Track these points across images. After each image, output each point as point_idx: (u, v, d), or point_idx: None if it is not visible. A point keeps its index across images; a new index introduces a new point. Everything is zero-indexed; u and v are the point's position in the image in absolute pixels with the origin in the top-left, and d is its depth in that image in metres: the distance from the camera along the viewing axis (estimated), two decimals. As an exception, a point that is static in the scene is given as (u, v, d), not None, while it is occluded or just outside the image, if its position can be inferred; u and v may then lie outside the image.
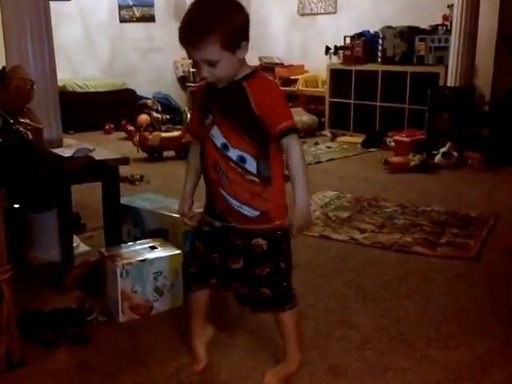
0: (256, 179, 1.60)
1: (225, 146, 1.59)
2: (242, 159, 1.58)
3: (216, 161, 1.61)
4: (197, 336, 1.89)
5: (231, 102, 1.58)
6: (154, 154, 5.25)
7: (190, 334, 1.91)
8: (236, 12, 1.51)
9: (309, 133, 6.36)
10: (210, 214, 1.73)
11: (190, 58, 1.54)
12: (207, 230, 1.74)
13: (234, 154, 1.58)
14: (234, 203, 1.62)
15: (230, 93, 1.58)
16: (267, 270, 1.66)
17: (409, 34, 5.81)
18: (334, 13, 6.92)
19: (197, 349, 1.88)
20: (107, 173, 2.59)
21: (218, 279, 1.76)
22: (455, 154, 4.86)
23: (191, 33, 1.49)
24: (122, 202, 2.72)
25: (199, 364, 1.86)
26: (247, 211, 1.62)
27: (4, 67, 2.51)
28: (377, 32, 6.19)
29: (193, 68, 1.48)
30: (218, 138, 1.60)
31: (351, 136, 6.33)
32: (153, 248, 2.32)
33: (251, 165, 1.59)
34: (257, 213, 1.63)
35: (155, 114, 6.71)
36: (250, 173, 1.60)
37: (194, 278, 1.81)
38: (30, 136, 2.33)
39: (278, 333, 1.84)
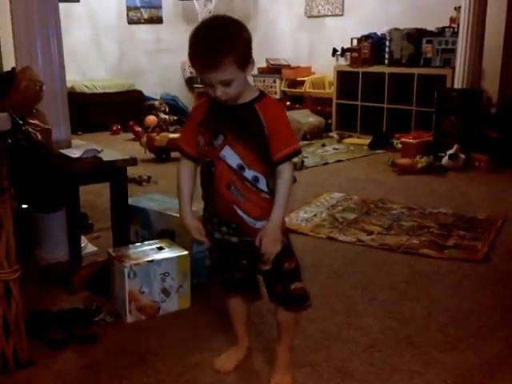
0: (268, 196, 1.64)
1: (241, 167, 1.60)
2: (256, 179, 1.62)
3: (231, 181, 1.62)
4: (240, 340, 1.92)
5: (245, 123, 1.59)
6: (161, 154, 5.26)
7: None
8: (243, 31, 1.55)
9: (316, 134, 6.36)
10: (222, 230, 1.70)
11: (202, 80, 1.55)
12: (219, 237, 1.72)
13: (249, 174, 1.61)
14: (248, 220, 1.64)
15: (243, 115, 1.60)
16: (294, 263, 1.71)
17: (416, 36, 5.80)
18: (341, 15, 6.91)
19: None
20: (115, 173, 2.60)
21: (250, 289, 1.80)
22: (462, 155, 4.85)
23: (209, 56, 1.49)
24: (129, 202, 2.73)
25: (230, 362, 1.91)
26: (260, 225, 1.64)
27: (13, 68, 2.52)
28: (384, 34, 6.18)
29: (203, 88, 1.46)
30: (233, 159, 1.60)
31: (358, 138, 6.32)
32: (160, 249, 2.32)
33: (262, 183, 1.63)
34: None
35: (163, 115, 6.72)
36: (262, 191, 1.63)
37: (230, 287, 1.82)
38: (39, 137, 2.33)
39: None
